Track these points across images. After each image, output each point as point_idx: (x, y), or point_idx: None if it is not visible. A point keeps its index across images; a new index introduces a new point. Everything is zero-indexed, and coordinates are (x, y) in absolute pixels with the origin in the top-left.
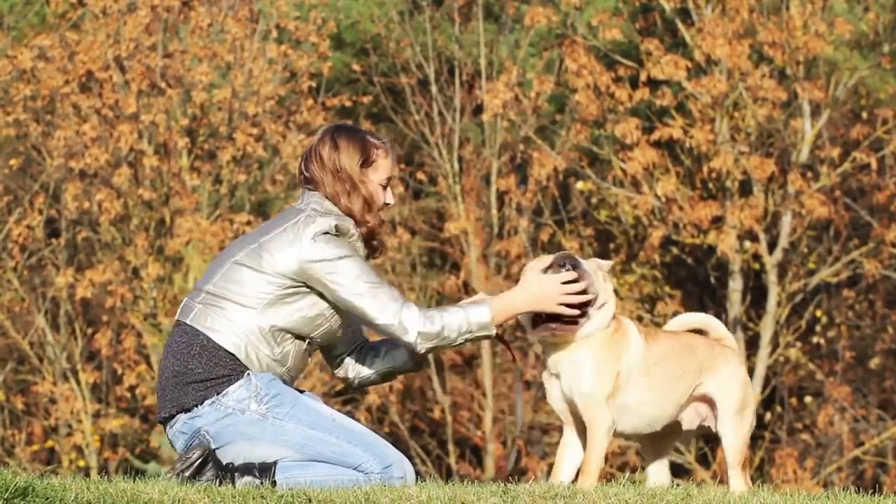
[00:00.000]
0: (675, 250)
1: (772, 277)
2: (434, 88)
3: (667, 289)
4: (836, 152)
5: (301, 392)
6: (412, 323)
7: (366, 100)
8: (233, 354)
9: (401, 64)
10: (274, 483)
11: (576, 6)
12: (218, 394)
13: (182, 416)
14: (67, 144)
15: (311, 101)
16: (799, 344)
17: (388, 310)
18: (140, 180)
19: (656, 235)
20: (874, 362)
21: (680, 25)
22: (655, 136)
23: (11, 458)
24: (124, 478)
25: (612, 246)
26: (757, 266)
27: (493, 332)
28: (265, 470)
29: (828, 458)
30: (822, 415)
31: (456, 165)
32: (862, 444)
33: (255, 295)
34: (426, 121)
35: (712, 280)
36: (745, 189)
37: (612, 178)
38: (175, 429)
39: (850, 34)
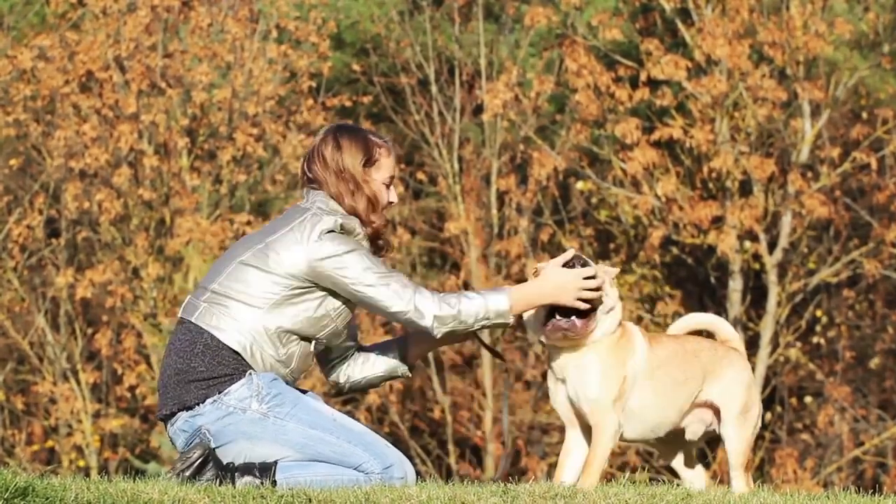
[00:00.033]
0: (675, 250)
1: (772, 277)
2: (434, 88)
3: (667, 289)
4: (836, 152)
5: (303, 392)
6: (427, 307)
7: (366, 100)
8: (237, 353)
9: (401, 64)
10: (274, 483)
11: (576, 6)
12: (220, 392)
13: (183, 414)
14: (67, 144)
15: (311, 101)
16: (799, 344)
17: (401, 297)
18: (140, 180)
19: (656, 235)
20: (874, 362)
21: (680, 25)
22: (655, 136)
23: (11, 458)
24: (124, 478)
25: (612, 246)
26: (757, 266)
27: (511, 320)
28: (265, 470)
29: (828, 458)
30: (822, 415)
31: (456, 165)
32: (862, 444)
33: (261, 295)
34: (426, 121)
35: (712, 280)
36: (745, 189)
37: (612, 178)
38: (176, 426)
39: (850, 34)
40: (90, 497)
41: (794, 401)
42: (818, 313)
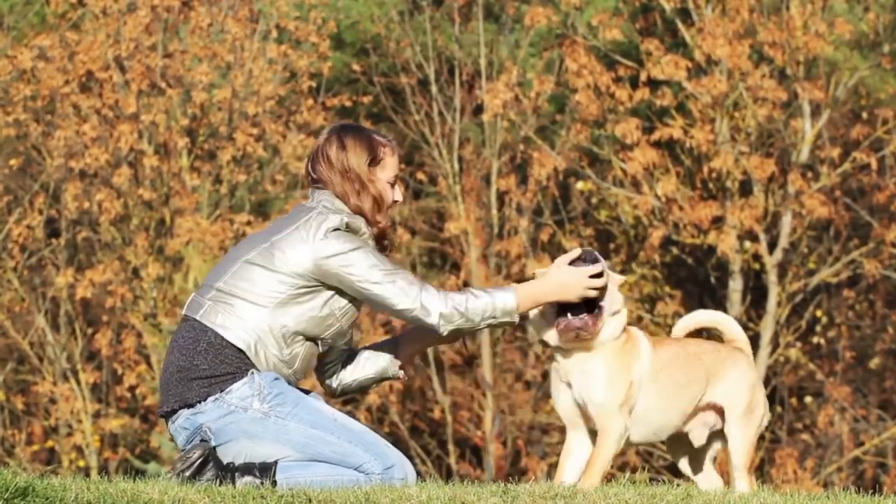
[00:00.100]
0: (675, 250)
1: (772, 277)
2: (434, 88)
3: (667, 289)
4: (836, 152)
5: (305, 392)
6: (433, 305)
7: (366, 100)
8: (241, 352)
9: (401, 64)
10: (274, 483)
11: (576, 6)
12: (221, 391)
13: (184, 412)
14: (67, 144)
15: (311, 101)
16: (799, 344)
17: (407, 294)
18: (140, 180)
19: (656, 235)
20: (874, 362)
21: (680, 25)
22: (655, 136)
23: (11, 458)
24: (124, 478)
25: (612, 246)
26: (757, 266)
27: (517, 318)
28: (265, 470)
29: (828, 458)
30: (822, 415)
31: (456, 165)
32: (862, 444)
33: (266, 294)
34: (426, 121)
35: (712, 280)
36: (745, 189)
37: (612, 178)
38: (177, 424)
39: (850, 34)
40: (90, 497)
41: (794, 401)
42: (818, 313)
